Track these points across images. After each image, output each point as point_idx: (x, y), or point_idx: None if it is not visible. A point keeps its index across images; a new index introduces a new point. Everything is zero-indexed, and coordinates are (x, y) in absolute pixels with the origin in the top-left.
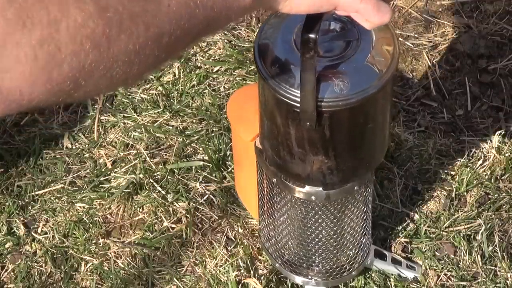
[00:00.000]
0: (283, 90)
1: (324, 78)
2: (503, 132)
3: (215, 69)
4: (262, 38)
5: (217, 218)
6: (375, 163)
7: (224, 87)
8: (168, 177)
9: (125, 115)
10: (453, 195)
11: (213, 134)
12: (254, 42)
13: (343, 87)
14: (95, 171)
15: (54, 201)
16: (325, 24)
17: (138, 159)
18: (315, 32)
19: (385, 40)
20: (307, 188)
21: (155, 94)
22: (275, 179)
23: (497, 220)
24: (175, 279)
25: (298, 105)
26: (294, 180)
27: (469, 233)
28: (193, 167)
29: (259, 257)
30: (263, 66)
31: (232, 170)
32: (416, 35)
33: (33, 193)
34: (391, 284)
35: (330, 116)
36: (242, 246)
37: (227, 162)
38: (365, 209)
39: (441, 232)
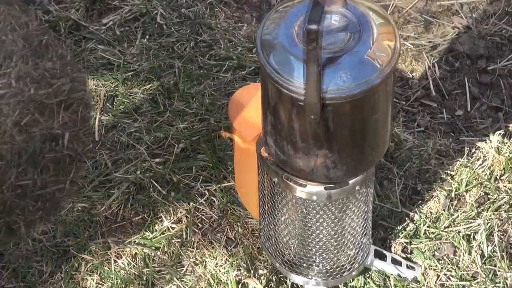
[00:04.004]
0: (287, 84)
1: (327, 70)
2: (503, 132)
3: (216, 69)
4: (264, 33)
5: (217, 218)
6: (378, 157)
7: (224, 87)
8: (168, 177)
9: (126, 115)
10: (452, 195)
11: (213, 134)
12: (256, 37)
13: (346, 79)
14: (96, 171)
15: (55, 201)
16: (327, 18)
17: (138, 159)
18: (318, 23)
19: (387, 34)
20: (309, 188)
21: (156, 94)
22: (276, 179)
23: (496, 220)
24: (175, 278)
25: (302, 98)
26: (298, 175)
27: (468, 233)
28: (193, 167)
29: (259, 257)
30: (266, 60)
31: (232, 170)
32: (416, 36)
33: (33, 193)
34: (391, 284)
35: (333, 108)
36: (242, 246)
37: (227, 162)
38: (365, 209)
39: (441, 232)
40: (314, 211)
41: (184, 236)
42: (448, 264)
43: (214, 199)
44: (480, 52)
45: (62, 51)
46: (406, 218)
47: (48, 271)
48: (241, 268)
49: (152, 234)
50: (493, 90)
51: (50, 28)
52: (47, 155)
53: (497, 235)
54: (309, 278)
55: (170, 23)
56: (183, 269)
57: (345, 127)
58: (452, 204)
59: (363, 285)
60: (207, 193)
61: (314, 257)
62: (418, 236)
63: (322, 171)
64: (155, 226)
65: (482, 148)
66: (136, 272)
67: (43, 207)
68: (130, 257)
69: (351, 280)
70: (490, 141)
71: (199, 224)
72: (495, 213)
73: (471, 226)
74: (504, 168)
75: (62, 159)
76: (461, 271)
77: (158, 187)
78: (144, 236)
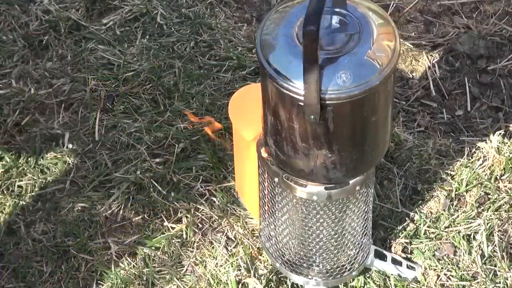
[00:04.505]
0: (286, 84)
1: (327, 71)
2: (503, 132)
3: (216, 69)
4: (264, 33)
5: (217, 218)
6: (378, 158)
7: (224, 87)
8: (168, 177)
9: (126, 115)
10: (452, 195)
11: (213, 135)
12: (256, 38)
13: (346, 80)
14: (96, 171)
15: (55, 201)
16: (326, 18)
17: (138, 159)
18: (317, 24)
19: (386, 34)
20: (309, 188)
21: (156, 94)
22: (276, 179)
23: (496, 220)
24: (175, 279)
25: (302, 98)
26: (298, 176)
27: (468, 233)
28: (193, 167)
29: (259, 257)
30: (266, 61)
31: (232, 170)
32: (416, 36)
33: (33, 193)
34: (391, 284)
35: (333, 108)
36: (242, 246)
37: (227, 162)
38: (366, 209)
39: (441, 232)
40: (315, 211)
41: (184, 236)
42: (448, 264)
43: (214, 199)
44: (480, 52)
45: (62, 51)
46: (406, 218)
47: (48, 271)
48: (241, 268)
49: (152, 234)
50: (493, 90)
51: (50, 28)
52: (47, 155)
53: (497, 235)
54: (309, 278)
55: (170, 23)
56: (183, 269)
57: (345, 127)
58: (452, 204)
59: (363, 285)
60: (207, 193)
61: (314, 257)
62: (418, 236)
63: (322, 171)
64: (155, 226)
65: (482, 148)
66: (136, 272)
67: (43, 207)
68: (130, 257)
69: (351, 280)
70: (490, 141)
71: (199, 224)
72: (495, 213)
73: (471, 226)
74: (504, 168)
75: (62, 159)
76: (461, 271)
77: (158, 187)
78: (144, 236)
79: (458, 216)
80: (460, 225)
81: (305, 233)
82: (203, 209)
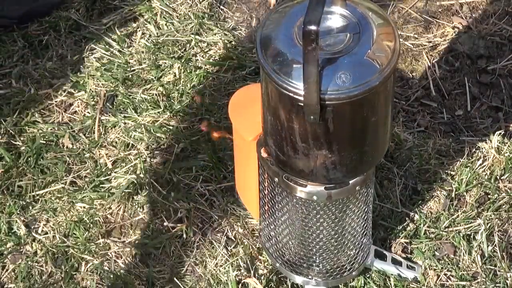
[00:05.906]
0: (286, 84)
1: (327, 71)
2: (503, 132)
3: (216, 69)
4: (264, 33)
5: (217, 218)
6: (378, 158)
7: (224, 87)
8: (168, 177)
9: (126, 115)
10: (452, 195)
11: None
12: (256, 37)
13: (346, 80)
14: (96, 171)
15: (55, 201)
16: (326, 18)
17: (138, 159)
18: (317, 24)
19: (386, 34)
20: (309, 188)
21: (156, 94)
22: (276, 179)
23: (496, 220)
24: (175, 279)
25: (302, 98)
26: (298, 176)
27: (468, 233)
28: (193, 167)
29: (259, 257)
30: (266, 61)
31: (232, 170)
32: (416, 36)
33: (33, 193)
34: (391, 284)
35: (333, 109)
36: (242, 246)
37: (227, 162)
38: (366, 209)
39: (441, 232)
40: (315, 211)
41: (184, 236)
42: (448, 264)
43: (214, 199)
44: (480, 52)
45: (62, 51)
46: (406, 218)
47: (48, 271)
48: (241, 268)
49: (152, 234)
50: (493, 90)
51: (50, 28)
52: (47, 155)
53: (497, 235)
54: (309, 278)
55: (170, 23)
56: (183, 269)
57: (345, 127)
58: (452, 204)
59: (363, 285)
60: (207, 193)
61: (314, 257)
62: (418, 236)
63: (322, 172)
64: (155, 226)
65: (482, 148)
66: (136, 272)
67: (43, 207)
68: (130, 257)
69: (351, 280)
70: (490, 141)
71: (199, 224)
72: (495, 213)
73: (471, 226)
74: (504, 168)
75: (62, 159)
76: (461, 271)
77: (158, 187)
78: (144, 236)
79: (458, 216)
80: (460, 225)
81: (305, 233)
82: (203, 209)
